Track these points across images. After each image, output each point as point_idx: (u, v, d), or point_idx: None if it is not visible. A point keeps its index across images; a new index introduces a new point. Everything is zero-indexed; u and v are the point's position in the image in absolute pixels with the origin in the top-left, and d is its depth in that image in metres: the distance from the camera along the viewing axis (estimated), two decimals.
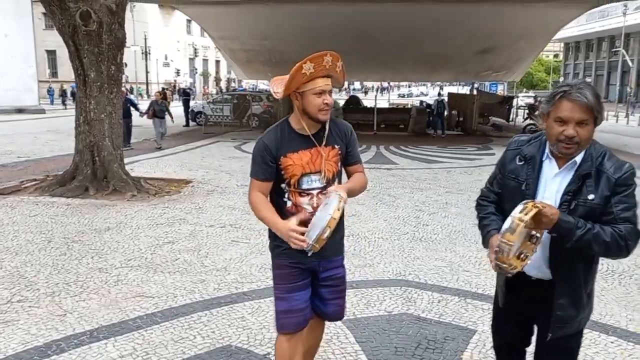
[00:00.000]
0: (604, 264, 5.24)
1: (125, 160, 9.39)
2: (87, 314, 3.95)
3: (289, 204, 2.44)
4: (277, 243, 2.48)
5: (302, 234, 2.24)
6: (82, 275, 4.77)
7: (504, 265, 1.90)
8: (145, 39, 47.94)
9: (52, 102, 37.50)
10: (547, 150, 2.06)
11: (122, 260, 5.19)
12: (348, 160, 2.55)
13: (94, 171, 8.43)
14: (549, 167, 2.06)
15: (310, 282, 2.55)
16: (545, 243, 2.01)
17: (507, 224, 1.86)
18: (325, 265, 2.54)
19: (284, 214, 2.42)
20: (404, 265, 5.20)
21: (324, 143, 2.41)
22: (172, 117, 15.57)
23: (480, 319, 3.92)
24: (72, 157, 8.94)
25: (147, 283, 4.59)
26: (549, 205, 1.90)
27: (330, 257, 2.55)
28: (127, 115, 13.93)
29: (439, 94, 28.53)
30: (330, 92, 2.36)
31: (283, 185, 2.44)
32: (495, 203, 2.23)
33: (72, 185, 8.34)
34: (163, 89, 22.76)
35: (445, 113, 21.58)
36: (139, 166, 10.93)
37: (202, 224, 6.57)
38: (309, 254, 2.33)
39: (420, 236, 6.25)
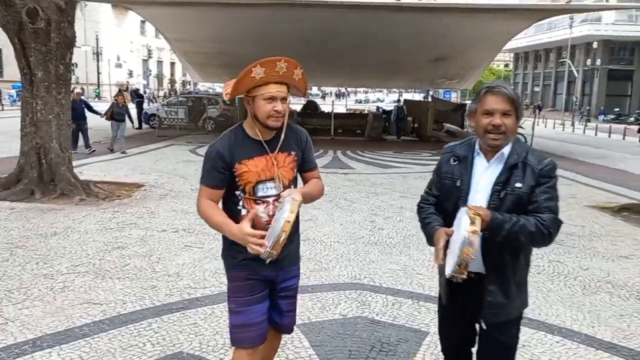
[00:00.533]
0: (550, 266, 5.44)
1: (75, 163, 9.09)
2: (30, 322, 3.78)
3: (244, 212, 2.35)
4: (232, 254, 2.39)
5: (261, 237, 2.15)
6: (25, 282, 4.56)
7: (463, 276, 2.03)
8: (97, 39, 46.65)
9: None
10: (477, 148, 2.27)
11: (69, 266, 5.00)
12: (304, 167, 2.50)
13: (40, 174, 8.11)
14: (480, 163, 2.25)
15: (267, 293, 2.47)
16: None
17: (462, 240, 1.97)
18: (282, 275, 2.47)
19: (238, 222, 2.32)
20: (359, 269, 5.23)
21: (277, 149, 2.36)
22: (132, 121, 15.20)
23: (432, 321, 3.98)
24: (17, 159, 8.56)
25: (94, 289, 4.44)
26: (482, 208, 2.08)
27: (288, 266, 2.49)
28: (82, 118, 13.51)
29: (399, 100, 29.06)
30: (283, 99, 2.29)
31: (237, 193, 2.36)
32: (434, 205, 2.37)
33: (17, 189, 7.99)
34: (120, 90, 22.16)
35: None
36: (88, 169, 10.59)
37: (154, 229, 6.42)
38: (267, 262, 2.24)
39: (376, 240, 6.31)
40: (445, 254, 2.11)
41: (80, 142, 13.60)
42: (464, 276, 2.04)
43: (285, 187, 2.37)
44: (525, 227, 2.06)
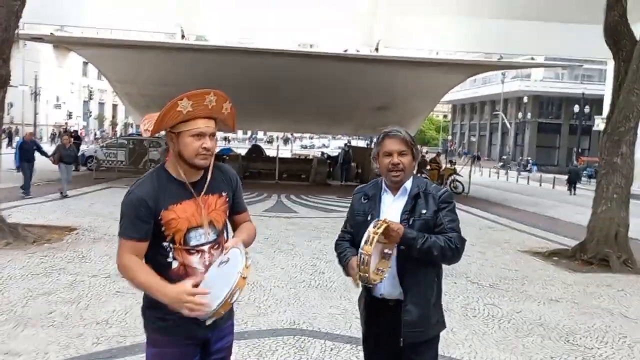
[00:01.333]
0: (485, 309, 5.56)
1: (3, 206, 8.61)
2: None
3: (175, 264, 2.06)
4: (160, 314, 2.04)
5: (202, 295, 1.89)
6: None
7: (365, 276, 2.17)
8: (36, 79, 45.20)
9: None
10: (384, 187, 2.51)
11: None
12: (235, 209, 2.28)
13: None
14: (387, 198, 2.49)
15: (200, 358, 2.16)
16: (394, 262, 2.37)
17: (364, 239, 2.18)
18: (217, 335, 2.17)
19: (169, 278, 2.02)
20: (299, 313, 5.15)
21: (204, 191, 2.11)
22: (79, 164, 14.57)
23: None
24: None
25: (15, 339, 4.14)
26: (395, 222, 2.29)
27: (223, 324, 2.18)
28: (32, 159, 12.94)
29: (345, 145, 29.80)
30: (212, 135, 2.08)
31: (165, 244, 2.06)
32: (349, 241, 2.55)
33: None
34: (66, 130, 21.40)
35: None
36: (18, 212, 10.04)
37: (85, 274, 6.12)
38: (208, 323, 1.94)
39: (317, 284, 6.27)
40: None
41: (20, 182, 12.88)
42: (367, 282, 2.19)
43: (218, 233, 2.16)
44: (436, 242, 2.30)
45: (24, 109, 45.75)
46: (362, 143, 47.57)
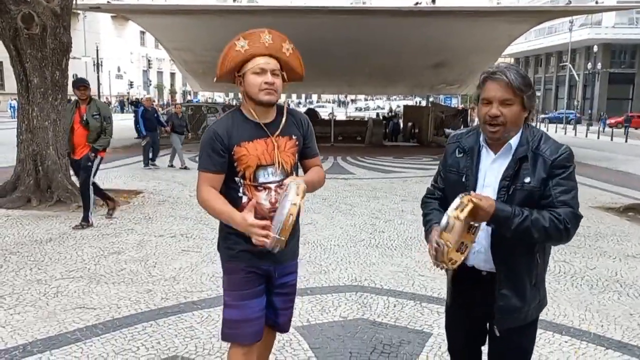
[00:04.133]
0: (556, 267, 5.31)
1: (72, 171, 8.98)
2: (22, 327, 3.66)
3: (245, 199, 2.21)
4: (230, 244, 2.26)
5: (264, 227, 2.02)
6: (18, 287, 4.45)
7: (443, 264, 1.88)
8: (97, 50, 46.72)
9: None
10: (481, 140, 2.06)
11: (63, 271, 4.89)
12: (306, 154, 2.36)
13: (36, 181, 8.01)
14: (486, 156, 2.04)
15: (265, 288, 2.33)
16: (487, 233, 1.98)
17: (443, 222, 1.83)
18: (280, 270, 2.33)
19: (240, 211, 2.19)
20: (360, 271, 5.11)
21: (278, 132, 2.21)
22: (189, 133, 14.21)
23: (435, 322, 3.86)
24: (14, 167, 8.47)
25: (88, 294, 4.32)
26: (485, 197, 1.87)
27: (286, 261, 2.34)
28: (154, 128, 12.82)
29: (390, 113, 29.67)
30: (274, 72, 2.14)
31: (237, 179, 2.21)
32: (439, 199, 2.19)
33: (14, 196, 7.89)
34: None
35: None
36: None
37: (151, 234, 6.31)
38: (275, 251, 2.08)
39: (377, 243, 6.19)
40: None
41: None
42: (447, 266, 1.88)
43: (286, 173, 2.24)
44: (538, 222, 1.86)
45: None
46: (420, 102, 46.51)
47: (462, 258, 1.90)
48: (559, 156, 1.93)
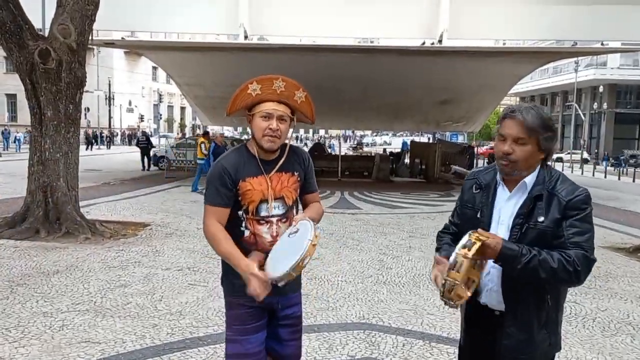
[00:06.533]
0: (567, 307, 5.22)
1: (81, 203, 9.04)
2: None
3: (247, 233, 2.28)
4: (232, 279, 2.30)
5: (264, 282, 2.10)
6: (24, 319, 4.43)
7: (451, 302, 1.89)
8: (110, 84, 47.68)
9: (6, 147, 35.47)
10: (498, 177, 2.07)
11: (69, 304, 4.87)
12: (306, 189, 2.44)
13: (46, 212, 8.05)
14: (502, 193, 2.06)
15: (266, 322, 2.35)
16: (500, 272, 1.98)
17: (451, 260, 1.85)
18: (284, 302, 2.36)
19: (241, 244, 2.26)
20: (368, 308, 5.05)
21: (276, 170, 2.30)
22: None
23: None
24: (23, 198, 8.54)
25: (94, 328, 4.29)
26: (492, 235, 1.88)
27: (289, 293, 2.37)
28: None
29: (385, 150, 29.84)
30: (281, 118, 2.22)
31: (240, 213, 2.28)
32: (454, 235, 2.21)
33: (22, 227, 7.92)
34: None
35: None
36: (95, 209, 10.55)
37: (158, 267, 6.29)
38: (280, 284, 2.12)
39: (384, 279, 6.14)
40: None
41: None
42: (453, 303, 1.88)
43: (288, 208, 2.33)
44: (546, 262, 1.84)
45: (99, 112, 48.42)
46: (424, 139, 46.74)
47: (469, 294, 1.90)
48: (574, 197, 1.92)
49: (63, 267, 6.16)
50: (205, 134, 16.95)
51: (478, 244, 1.81)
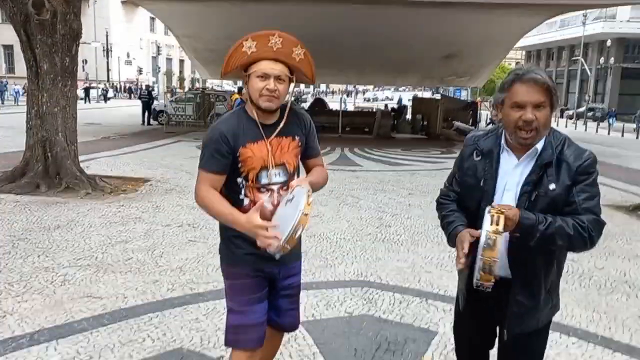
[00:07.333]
0: (565, 266, 5.25)
1: (81, 158, 9.01)
2: (29, 316, 3.69)
3: (246, 201, 2.15)
4: (232, 248, 2.20)
5: (271, 229, 1.95)
6: (26, 274, 4.48)
7: (486, 283, 1.81)
8: (107, 35, 46.77)
9: (2, 101, 34.94)
10: (503, 143, 1.97)
11: (71, 259, 4.91)
12: (308, 153, 2.31)
13: (45, 167, 8.04)
14: (507, 160, 1.97)
15: (268, 291, 2.29)
16: (505, 240, 1.92)
17: (482, 241, 1.77)
18: (285, 272, 2.29)
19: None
20: (366, 266, 5.10)
21: (276, 134, 2.16)
22: None
23: (441, 320, 3.85)
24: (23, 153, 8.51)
25: (95, 283, 4.34)
26: (508, 206, 1.83)
27: (290, 262, 2.30)
28: None
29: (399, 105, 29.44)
30: (278, 78, 2.07)
31: (239, 180, 2.15)
32: (455, 201, 2.13)
33: (22, 182, 7.93)
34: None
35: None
36: (95, 164, 10.53)
37: (159, 223, 6.32)
38: (277, 257, 2.03)
39: (383, 237, 6.17)
40: (468, 259, 1.87)
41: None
42: (491, 283, 1.81)
43: (289, 174, 2.21)
44: (562, 229, 1.80)
45: (97, 65, 47.71)
46: (427, 94, 46.26)
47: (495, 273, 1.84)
48: (583, 162, 1.88)
49: (64, 222, 6.20)
50: (240, 90, 16.94)
51: (502, 216, 1.77)
